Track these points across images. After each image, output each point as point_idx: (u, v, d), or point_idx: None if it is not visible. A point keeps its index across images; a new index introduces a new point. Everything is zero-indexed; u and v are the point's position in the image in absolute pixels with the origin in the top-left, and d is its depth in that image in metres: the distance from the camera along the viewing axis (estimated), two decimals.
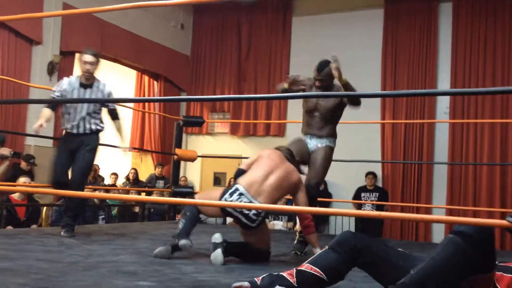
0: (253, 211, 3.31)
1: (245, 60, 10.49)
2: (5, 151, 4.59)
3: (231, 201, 3.32)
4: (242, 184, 3.40)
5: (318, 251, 3.43)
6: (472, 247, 1.75)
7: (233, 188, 3.39)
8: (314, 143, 4.16)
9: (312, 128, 4.17)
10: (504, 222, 1.81)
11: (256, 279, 2.00)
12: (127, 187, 9.17)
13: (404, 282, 1.72)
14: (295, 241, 4.20)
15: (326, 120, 4.12)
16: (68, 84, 4.42)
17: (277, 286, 1.91)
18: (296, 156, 3.80)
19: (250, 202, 3.31)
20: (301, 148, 4.01)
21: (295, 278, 1.92)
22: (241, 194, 3.34)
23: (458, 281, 1.75)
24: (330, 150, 4.16)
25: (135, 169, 9.71)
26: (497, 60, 8.35)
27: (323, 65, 4.04)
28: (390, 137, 8.94)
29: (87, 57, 4.37)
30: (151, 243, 3.93)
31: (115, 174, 9.28)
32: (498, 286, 1.82)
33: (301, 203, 3.56)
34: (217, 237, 3.30)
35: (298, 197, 3.59)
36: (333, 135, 4.20)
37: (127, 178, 9.60)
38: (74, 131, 4.41)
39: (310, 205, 4.02)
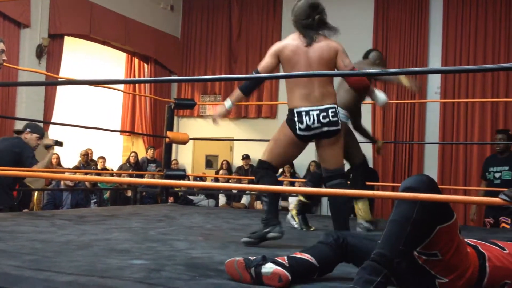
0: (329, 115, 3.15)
1: (236, 42, 10.43)
2: (49, 140, 4.60)
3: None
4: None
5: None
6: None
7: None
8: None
9: None
10: (497, 200, 1.83)
11: (250, 258, 2.04)
12: (130, 170, 9.12)
13: (375, 252, 1.76)
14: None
15: None
16: None
17: (269, 263, 1.95)
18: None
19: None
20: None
21: (287, 261, 1.98)
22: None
23: (425, 236, 1.78)
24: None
25: (135, 153, 9.66)
26: (488, 38, 8.36)
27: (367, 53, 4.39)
28: (381, 117, 8.95)
29: (2, 45, 3.62)
30: (143, 223, 3.94)
31: (103, 158, 9.22)
32: (487, 265, 1.85)
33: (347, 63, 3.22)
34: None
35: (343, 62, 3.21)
36: None
37: (128, 161, 9.55)
38: None
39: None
